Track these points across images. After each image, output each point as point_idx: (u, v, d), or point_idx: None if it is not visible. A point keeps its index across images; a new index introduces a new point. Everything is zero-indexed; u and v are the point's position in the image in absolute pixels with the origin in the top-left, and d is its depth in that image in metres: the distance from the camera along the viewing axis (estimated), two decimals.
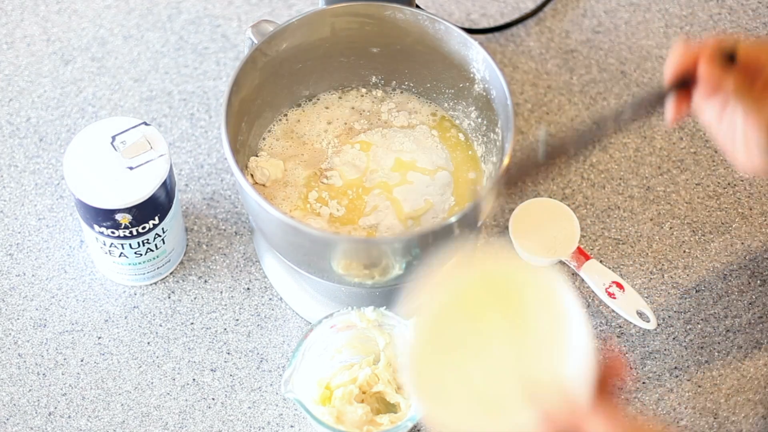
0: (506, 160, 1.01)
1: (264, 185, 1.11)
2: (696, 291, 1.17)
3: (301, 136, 1.14)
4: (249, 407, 1.11)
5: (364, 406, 1.04)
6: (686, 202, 1.22)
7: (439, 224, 0.99)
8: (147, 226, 1.08)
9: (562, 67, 1.30)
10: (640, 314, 1.14)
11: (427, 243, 1.01)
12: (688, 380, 1.13)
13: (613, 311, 1.15)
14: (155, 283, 1.16)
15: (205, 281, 1.17)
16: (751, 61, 0.91)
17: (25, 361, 1.12)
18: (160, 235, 1.11)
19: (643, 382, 1.12)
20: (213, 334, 1.14)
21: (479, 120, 1.13)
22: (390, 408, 1.07)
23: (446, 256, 1.06)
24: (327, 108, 1.16)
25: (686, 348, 1.14)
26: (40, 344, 1.13)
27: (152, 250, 1.12)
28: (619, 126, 0.96)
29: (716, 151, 1.25)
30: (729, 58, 0.91)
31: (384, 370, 1.05)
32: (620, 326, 1.15)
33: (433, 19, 1.08)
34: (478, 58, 1.08)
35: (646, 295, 1.17)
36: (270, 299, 1.16)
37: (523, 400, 0.80)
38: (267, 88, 1.11)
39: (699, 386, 1.12)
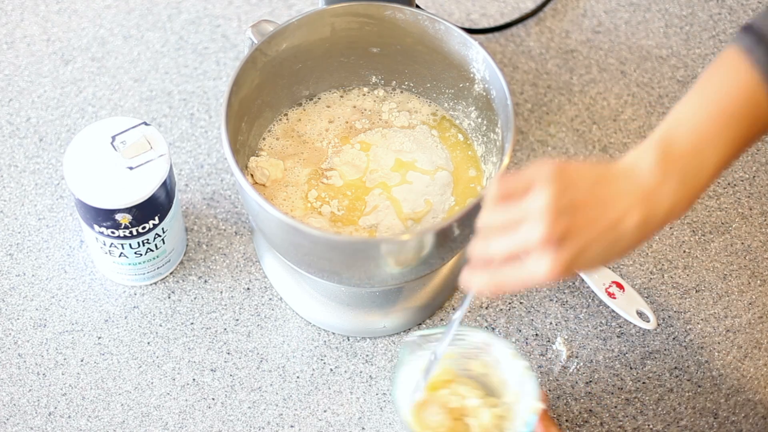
0: (506, 160, 1.01)
1: (264, 185, 1.11)
2: (696, 291, 1.17)
3: (301, 135, 1.14)
4: (249, 407, 1.11)
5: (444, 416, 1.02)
6: None
7: (439, 224, 0.99)
8: (147, 226, 1.08)
9: (562, 67, 1.30)
10: (640, 314, 1.14)
11: (427, 243, 1.01)
12: (688, 380, 1.13)
13: (613, 311, 1.15)
14: (155, 283, 1.16)
15: (205, 281, 1.17)
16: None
17: (25, 361, 1.12)
18: (160, 235, 1.11)
19: (643, 382, 1.12)
20: (213, 334, 1.14)
21: (479, 120, 1.13)
22: None
23: (446, 256, 1.06)
24: (328, 107, 1.16)
25: (686, 348, 1.14)
26: (40, 344, 1.13)
27: (152, 250, 1.12)
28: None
29: None
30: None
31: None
32: (620, 326, 1.15)
33: (433, 19, 1.09)
34: (478, 58, 1.08)
35: (646, 295, 1.17)
36: (270, 299, 1.16)
37: None
38: (267, 88, 1.11)
39: (699, 386, 1.12)
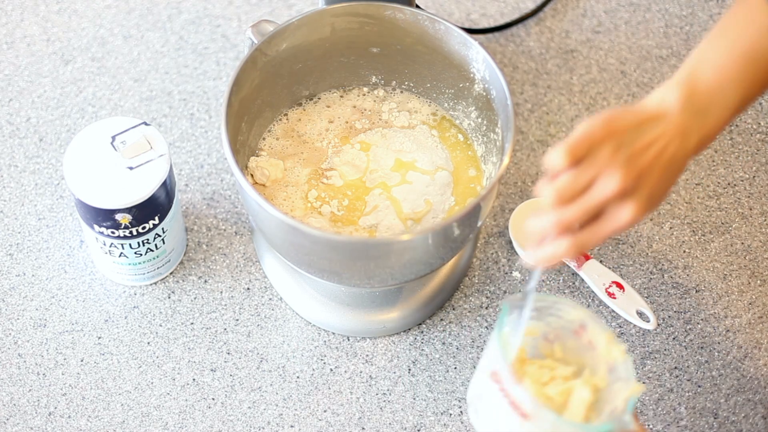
0: (506, 160, 1.01)
1: (264, 185, 1.11)
2: (696, 291, 1.17)
3: (301, 134, 1.14)
4: (249, 407, 1.11)
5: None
6: (686, 202, 1.22)
7: (439, 224, 0.99)
8: (147, 226, 1.08)
9: (562, 67, 1.30)
10: (640, 314, 1.14)
11: (427, 243, 1.01)
12: (688, 380, 1.13)
13: (613, 311, 1.15)
14: (155, 283, 1.16)
15: (205, 281, 1.17)
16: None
17: (25, 361, 1.12)
18: (160, 235, 1.11)
19: (643, 382, 1.12)
20: (213, 334, 1.14)
21: (479, 120, 1.13)
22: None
23: (446, 256, 1.06)
24: (328, 107, 1.16)
25: (686, 348, 1.14)
26: (40, 344, 1.13)
27: (152, 250, 1.12)
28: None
29: (716, 151, 1.25)
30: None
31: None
32: (620, 326, 1.15)
33: (433, 19, 1.09)
34: (478, 58, 1.08)
35: (646, 295, 1.17)
36: (270, 299, 1.16)
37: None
38: (267, 88, 1.11)
39: (699, 386, 1.12)
